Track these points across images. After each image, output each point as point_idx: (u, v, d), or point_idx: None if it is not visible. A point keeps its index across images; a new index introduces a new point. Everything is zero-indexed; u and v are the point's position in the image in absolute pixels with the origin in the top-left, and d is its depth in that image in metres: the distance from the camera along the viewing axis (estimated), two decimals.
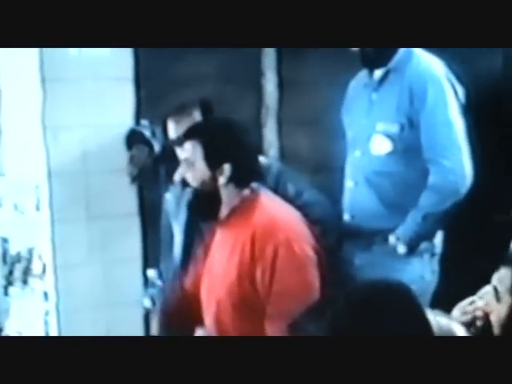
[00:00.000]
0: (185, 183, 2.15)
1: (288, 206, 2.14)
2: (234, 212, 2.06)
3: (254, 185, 2.08)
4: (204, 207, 2.09)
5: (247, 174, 2.06)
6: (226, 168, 2.02)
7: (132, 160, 2.86)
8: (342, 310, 1.49)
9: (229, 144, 2.04)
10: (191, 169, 2.06)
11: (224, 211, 2.07)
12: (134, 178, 2.88)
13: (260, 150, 3.14)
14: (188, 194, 2.20)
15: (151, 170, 2.85)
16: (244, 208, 2.05)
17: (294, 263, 1.96)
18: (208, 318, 2.10)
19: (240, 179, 2.04)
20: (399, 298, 1.49)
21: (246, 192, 2.06)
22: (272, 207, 2.07)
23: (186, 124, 2.53)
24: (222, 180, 2.03)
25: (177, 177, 2.14)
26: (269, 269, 1.94)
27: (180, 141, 2.58)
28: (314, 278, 1.98)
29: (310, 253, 1.99)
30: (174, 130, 2.61)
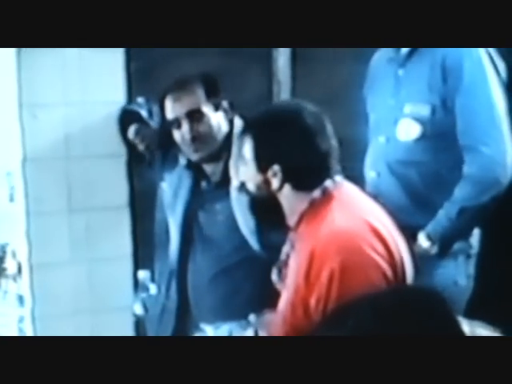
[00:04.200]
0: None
1: (371, 211, 2.04)
2: (302, 219, 2.03)
3: (328, 183, 2.03)
4: (267, 214, 2.12)
5: (310, 174, 2.03)
6: (277, 169, 2.01)
7: (137, 134, 2.79)
8: (365, 318, 1.54)
9: (283, 139, 2.00)
10: (246, 169, 2.08)
11: (292, 217, 2.06)
12: (142, 156, 2.82)
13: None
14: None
15: (156, 150, 2.81)
16: (312, 214, 2.01)
17: (349, 295, 1.80)
18: None
19: (301, 181, 2.02)
20: (431, 307, 1.53)
21: (317, 194, 2.02)
22: (341, 214, 1.97)
23: (186, 102, 2.59)
24: (275, 184, 2.04)
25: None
26: (324, 297, 1.87)
27: (179, 123, 2.64)
28: None
29: (374, 280, 1.88)
30: (172, 109, 2.62)
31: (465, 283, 2.48)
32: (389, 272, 1.91)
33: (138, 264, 3.06)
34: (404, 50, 2.52)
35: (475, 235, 2.49)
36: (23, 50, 2.88)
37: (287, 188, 2.04)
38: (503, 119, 2.39)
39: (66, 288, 2.98)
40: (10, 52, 2.89)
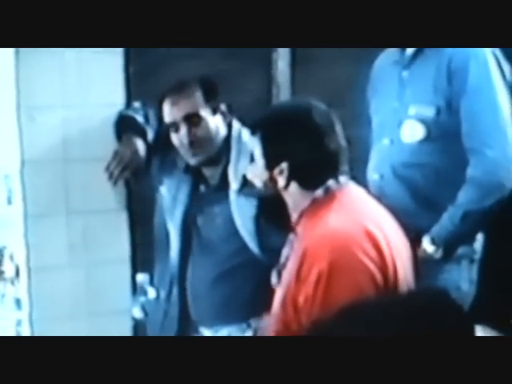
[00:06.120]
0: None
1: (371, 215, 2.02)
2: (301, 217, 2.04)
3: (332, 183, 2.02)
4: (269, 215, 2.14)
5: (317, 173, 2.02)
6: (284, 167, 2.01)
7: (115, 156, 2.76)
8: (377, 319, 1.54)
9: (292, 137, 2.00)
10: (253, 166, 2.10)
11: (294, 215, 2.06)
12: (115, 178, 2.79)
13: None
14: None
15: (137, 168, 2.77)
16: (312, 213, 2.01)
17: (335, 297, 1.83)
18: None
19: (308, 179, 2.02)
20: (445, 310, 1.55)
21: (319, 193, 2.02)
22: (338, 216, 1.96)
23: (184, 106, 2.58)
24: (281, 182, 2.03)
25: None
26: (311, 296, 1.86)
27: (177, 126, 2.61)
28: None
29: (362, 284, 1.86)
30: (169, 112, 2.61)
31: (467, 288, 2.46)
32: (379, 278, 1.89)
33: (136, 267, 3.02)
34: (409, 52, 2.51)
35: (478, 240, 2.47)
36: (21, 51, 2.85)
37: (293, 186, 2.04)
38: (508, 122, 2.37)
39: (63, 291, 2.94)
40: (9, 54, 2.86)
